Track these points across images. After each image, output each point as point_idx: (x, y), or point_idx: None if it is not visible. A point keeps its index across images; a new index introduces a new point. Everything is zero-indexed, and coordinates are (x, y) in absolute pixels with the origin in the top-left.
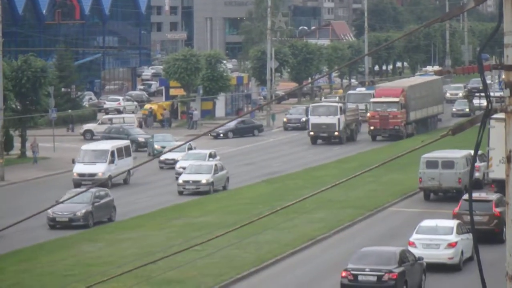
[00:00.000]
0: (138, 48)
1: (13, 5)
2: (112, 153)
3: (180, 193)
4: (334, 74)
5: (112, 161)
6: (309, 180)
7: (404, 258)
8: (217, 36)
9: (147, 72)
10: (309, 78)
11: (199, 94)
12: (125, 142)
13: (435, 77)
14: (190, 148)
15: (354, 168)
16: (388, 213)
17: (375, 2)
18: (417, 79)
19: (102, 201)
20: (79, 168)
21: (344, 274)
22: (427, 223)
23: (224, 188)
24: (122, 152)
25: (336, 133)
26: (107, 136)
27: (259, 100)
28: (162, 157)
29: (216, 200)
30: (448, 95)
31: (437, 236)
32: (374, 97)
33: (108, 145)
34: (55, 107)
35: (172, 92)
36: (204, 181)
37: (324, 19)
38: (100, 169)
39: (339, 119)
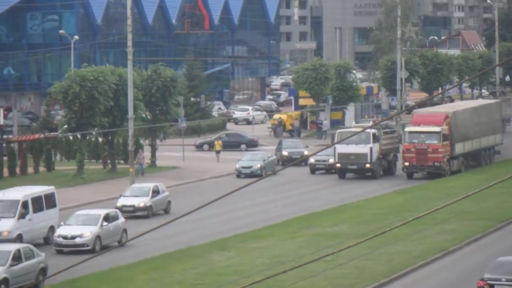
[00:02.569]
0: (267, 58)
1: (143, 15)
2: (25, 204)
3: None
4: (464, 85)
5: (23, 216)
6: (441, 191)
7: None
8: (346, 46)
9: (276, 82)
10: (440, 89)
11: (329, 104)
12: (47, 189)
13: (489, 100)
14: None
15: (486, 179)
16: None
17: (506, 12)
18: (468, 103)
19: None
20: None
21: (480, 283)
22: None
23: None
24: (40, 203)
25: (367, 165)
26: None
27: (388, 111)
28: (119, 204)
29: (347, 210)
30: None
31: None
32: (411, 125)
33: (20, 193)
34: (184, 117)
35: (301, 102)
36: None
37: (454, 28)
38: (4, 226)
39: (371, 148)
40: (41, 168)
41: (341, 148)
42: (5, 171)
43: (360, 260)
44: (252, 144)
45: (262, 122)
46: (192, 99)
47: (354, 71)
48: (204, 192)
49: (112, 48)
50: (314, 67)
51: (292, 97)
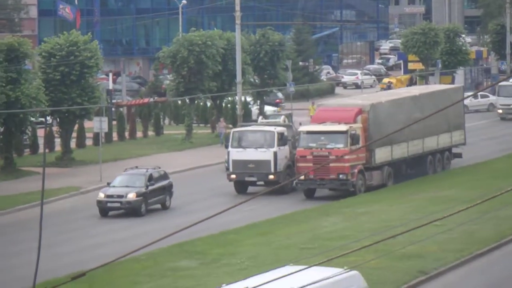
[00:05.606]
0: (375, 22)
1: None
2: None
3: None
4: None
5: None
6: None
7: None
8: (455, 10)
9: (385, 46)
10: None
11: (438, 68)
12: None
13: (444, 86)
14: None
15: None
16: None
17: None
18: (406, 91)
19: None
20: None
21: None
22: None
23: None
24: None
25: (271, 177)
26: None
27: (497, 75)
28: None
29: (455, 175)
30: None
31: None
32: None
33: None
34: (292, 81)
35: (411, 66)
36: (131, 196)
37: None
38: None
39: (275, 153)
40: (150, 133)
41: (236, 154)
42: (114, 136)
43: (468, 225)
44: None
45: (371, 87)
46: (300, 63)
47: (463, 35)
48: None
49: (220, 12)
50: (423, 31)
51: (401, 61)
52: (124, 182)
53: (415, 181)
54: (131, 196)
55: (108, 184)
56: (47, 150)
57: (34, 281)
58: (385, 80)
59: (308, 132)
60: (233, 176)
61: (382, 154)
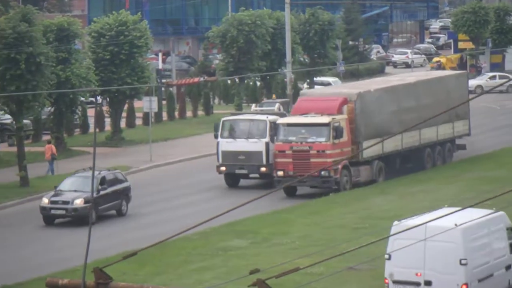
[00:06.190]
0: (425, 1)
1: None
2: None
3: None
4: None
5: None
6: None
7: None
8: None
9: (435, 25)
10: None
11: (488, 47)
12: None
13: (446, 72)
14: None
15: None
16: None
17: None
18: (400, 78)
19: None
20: None
21: None
22: None
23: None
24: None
25: (263, 169)
26: None
27: None
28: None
29: (507, 154)
30: None
31: None
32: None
33: None
34: (342, 60)
35: (461, 45)
36: (78, 202)
37: None
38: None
39: (267, 144)
40: (200, 112)
41: (226, 145)
42: (164, 115)
43: None
44: None
45: (421, 66)
46: (350, 42)
47: None
48: None
49: None
50: (473, 10)
51: (451, 40)
52: (73, 186)
53: (471, 158)
54: (78, 202)
55: (55, 187)
56: (97, 130)
57: (85, 260)
58: (435, 59)
59: (287, 125)
60: (223, 168)
61: (370, 148)
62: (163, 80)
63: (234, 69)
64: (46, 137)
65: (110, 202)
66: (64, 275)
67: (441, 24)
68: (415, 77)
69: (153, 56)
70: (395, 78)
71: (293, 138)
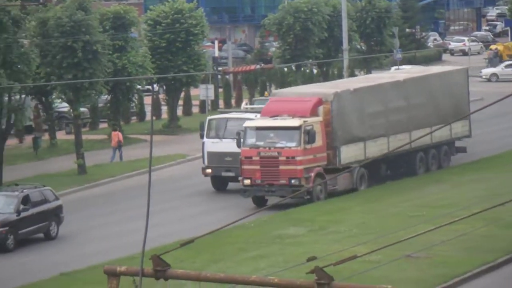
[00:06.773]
0: None
1: None
2: None
3: None
4: None
5: None
6: None
7: None
8: None
9: (492, 12)
10: None
11: None
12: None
13: (443, 68)
14: None
15: None
16: None
17: None
18: (389, 75)
19: None
20: None
21: None
22: None
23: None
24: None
25: None
26: None
27: None
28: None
29: None
30: None
31: None
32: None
33: None
34: (399, 48)
35: None
36: None
37: None
38: None
39: None
40: None
41: (212, 145)
42: (221, 103)
43: None
44: None
45: (478, 53)
46: (407, 30)
47: None
48: None
49: None
50: None
51: (508, 28)
52: None
53: None
54: None
55: None
56: (154, 118)
57: (143, 247)
58: (492, 46)
59: (255, 128)
60: (209, 171)
61: (350, 153)
62: (220, 68)
63: (290, 56)
64: (103, 125)
65: (34, 225)
66: (121, 263)
67: (498, 11)
68: (406, 74)
69: (209, 44)
70: (384, 75)
71: (261, 143)
